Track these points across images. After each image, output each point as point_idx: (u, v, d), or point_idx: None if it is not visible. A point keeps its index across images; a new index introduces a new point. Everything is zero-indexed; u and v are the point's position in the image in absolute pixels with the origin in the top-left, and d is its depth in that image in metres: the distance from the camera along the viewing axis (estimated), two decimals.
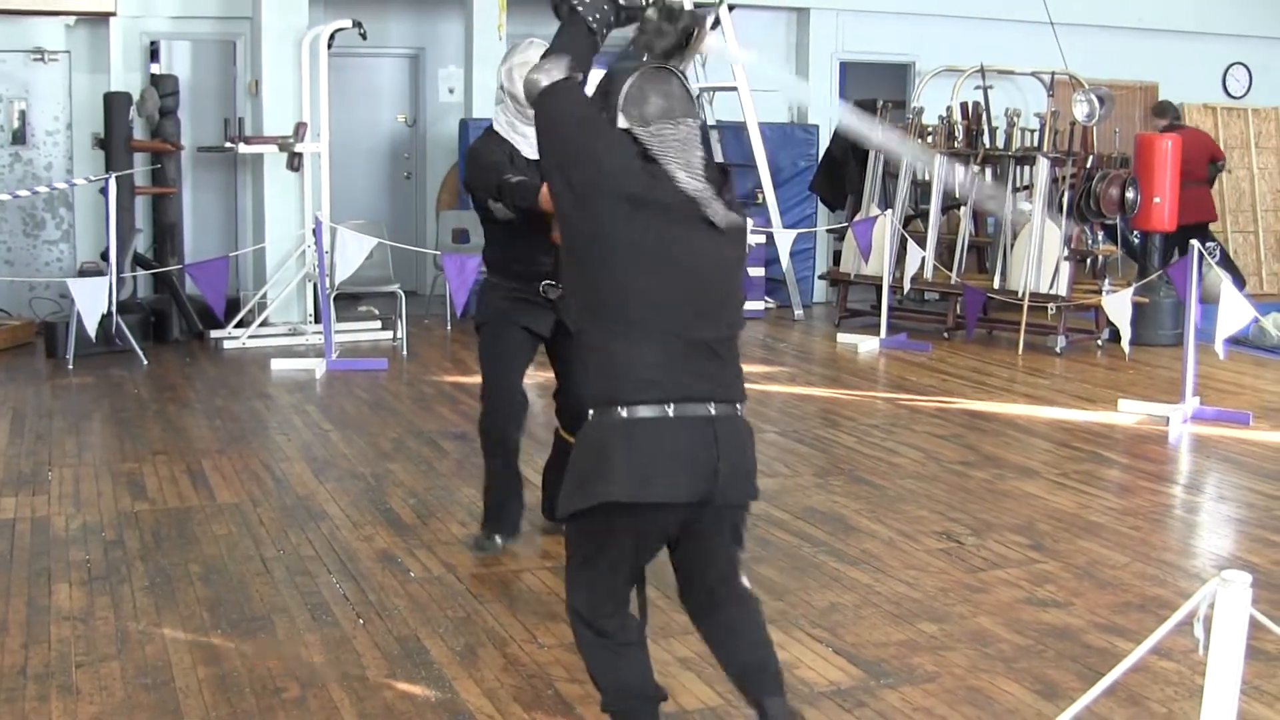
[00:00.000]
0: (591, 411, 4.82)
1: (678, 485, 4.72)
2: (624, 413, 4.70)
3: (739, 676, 5.16)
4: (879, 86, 19.32)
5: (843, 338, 15.80)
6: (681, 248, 4.74)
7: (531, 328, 7.82)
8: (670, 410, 4.70)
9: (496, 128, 7.75)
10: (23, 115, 16.01)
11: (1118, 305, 13.47)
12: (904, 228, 16.08)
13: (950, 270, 15.89)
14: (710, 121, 18.20)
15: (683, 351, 4.73)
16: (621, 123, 4.81)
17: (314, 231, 14.15)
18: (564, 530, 5.37)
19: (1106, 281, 14.82)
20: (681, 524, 4.88)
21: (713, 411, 4.76)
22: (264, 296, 15.41)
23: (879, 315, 15.73)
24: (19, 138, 16.00)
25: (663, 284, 4.72)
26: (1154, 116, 17.96)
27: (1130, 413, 11.97)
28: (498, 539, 8.14)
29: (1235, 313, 11.59)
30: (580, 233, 4.78)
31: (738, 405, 4.88)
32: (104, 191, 13.83)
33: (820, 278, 18.36)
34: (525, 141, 7.47)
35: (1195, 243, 11.83)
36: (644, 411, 4.69)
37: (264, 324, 15.06)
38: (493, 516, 8.20)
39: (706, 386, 4.77)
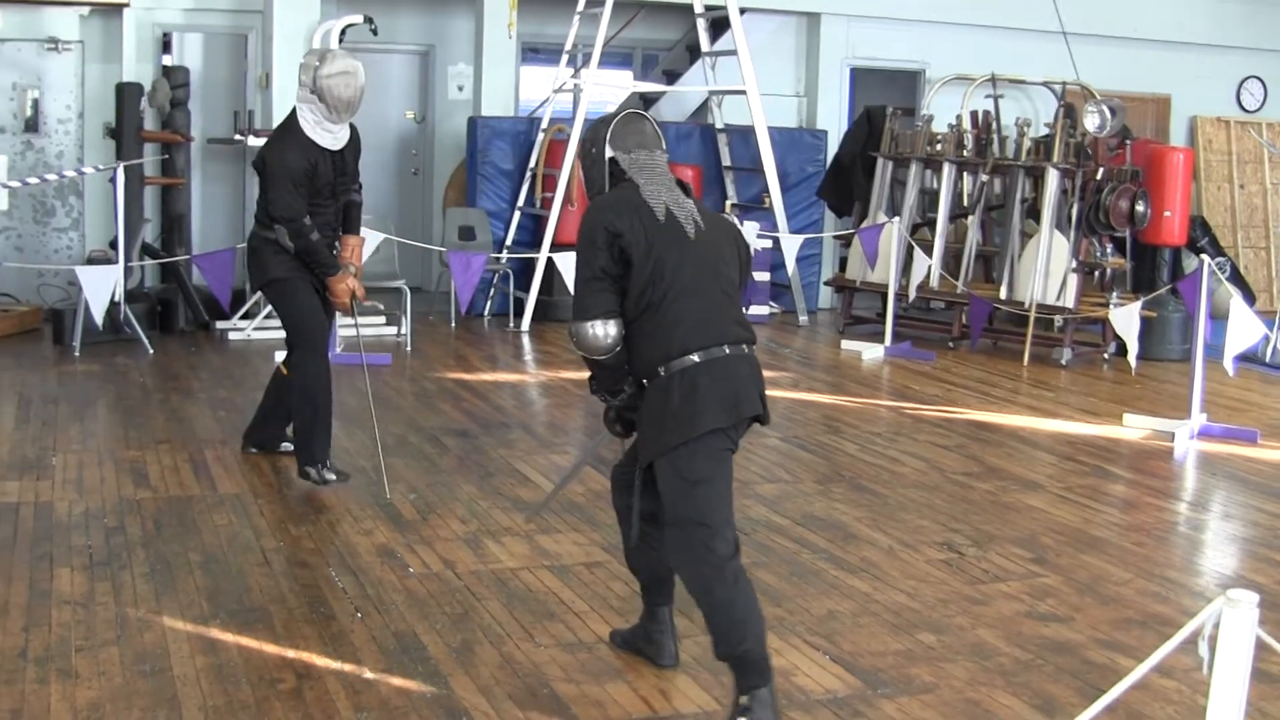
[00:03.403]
0: (662, 368, 5.81)
1: (755, 403, 5.91)
2: (697, 357, 5.78)
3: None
4: (889, 93, 19.32)
5: (847, 344, 15.79)
6: (687, 250, 5.88)
7: (316, 286, 9.22)
8: (727, 349, 5.84)
9: (302, 124, 8.96)
10: (35, 104, 16.03)
11: (1125, 319, 13.45)
12: (911, 235, 16.06)
13: (957, 279, 15.86)
14: (719, 125, 18.20)
15: (712, 313, 5.86)
16: (609, 152, 6.12)
17: None
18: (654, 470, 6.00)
19: (1114, 294, 14.80)
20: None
21: (745, 350, 5.93)
22: None
23: (884, 323, 15.72)
24: (31, 126, 16.02)
25: (690, 275, 5.85)
26: None
27: (1136, 427, 11.95)
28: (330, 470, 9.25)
29: (1245, 329, 11.57)
30: (642, 277, 5.83)
31: (755, 345, 6.02)
32: (113, 181, 13.82)
33: (826, 284, 18.35)
34: (330, 137, 9.07)
35: (1205, 257, 11.80)
36: (715, 352, 5.81)
37: (269, 316, 15.04)
38: (324, 450, 9.19)
39: (738, 331, 5.91)
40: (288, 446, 9.77)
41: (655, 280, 5.76)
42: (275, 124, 15.34)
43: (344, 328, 13.59)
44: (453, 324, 16.22)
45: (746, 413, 5.87)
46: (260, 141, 15.12)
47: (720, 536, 5.77)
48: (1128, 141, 15.55)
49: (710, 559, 5.73)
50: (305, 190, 8.89)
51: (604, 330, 5.80)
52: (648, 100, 18.65)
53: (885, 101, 17.61)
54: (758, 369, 5.97)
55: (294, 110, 9.09)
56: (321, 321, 9.27)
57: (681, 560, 5.87)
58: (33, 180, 14.71)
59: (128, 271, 13.88)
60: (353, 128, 9.29)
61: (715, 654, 5.82)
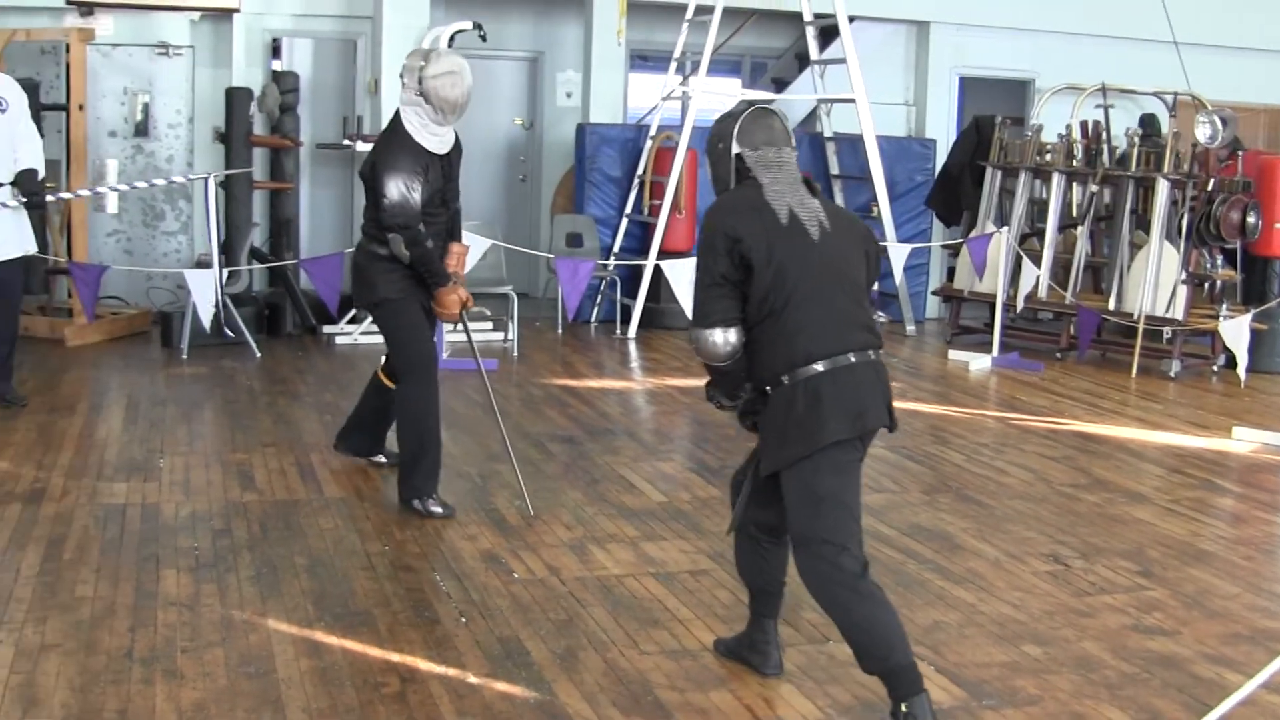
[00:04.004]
0: (786, 376, 5.71)
1: (881, 414, 5.82)
2: (821, 366, 5.68)
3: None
4: (998, 102, 19.19)
5: (954, 354, 15.72)
6: (811, 254, 5.77)
7: (425, 304, 8.89)
8: (853, 357, 5.72)
9: (408, 127, 8.68)
10: (146, 108, 16.21)
11: (1235, 331, 13.31)
12: (1020, 245, 15.96)
13: (1065, 290, 15.75)
14: (827, 133, 18.15)
15: (837, 318, 5.74)
16: (735, 148, 6.03)
17: None
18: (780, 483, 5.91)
19: (1224, 306, 14.64)
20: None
21: (872, 357, 5.81)
22: None
23: (991, 333, 15.63)
24: (142, 130, 16.20)
25: (813, 280, 5.74)
26: None
27: (1245, 441, 11.81)
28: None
29: None
30: (764, 282, 5.73)
31: (882, 351, 5.92)
32: (221, 187, 13.90)
33: (933, 293, 18.29)
34: (436, 140, 8.78)
35: None
36: (840, 360, 5.70)
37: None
38: (432, 482, 8.88)
39: (865, 337, 5.79)
40: (380, 460, 9.80)
41: (777, 286, 5.69)
42: (383, 129, 15.59)
43: (450, 333, 13.63)
44: (559, 330, 16.25)
45: (871, 424, 5.79)
46: (369, 147, 15.27)
47: (847, 554, 5.69)
48: (1239, 153, 15.38)
49: (839, 578, 5.68)
50: (420, 195, 8.61)
51: (724, 338, 5.76)
52: None
53: (994, 110, 17.50)
54: (884, 376, 5.89)
55: (397, 114, 8.83)
56: (431, 346, 9.04)
57: (813, 583, 5.79)
58: (121, 187, 14.72)
59: (235, 275, 13.99)
60: (455, 132, 9.04)
61: (862, 669, 5.77)
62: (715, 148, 6.12)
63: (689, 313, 13.96)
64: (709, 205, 6.04)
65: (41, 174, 11.19)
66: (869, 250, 6.02)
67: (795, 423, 5.68)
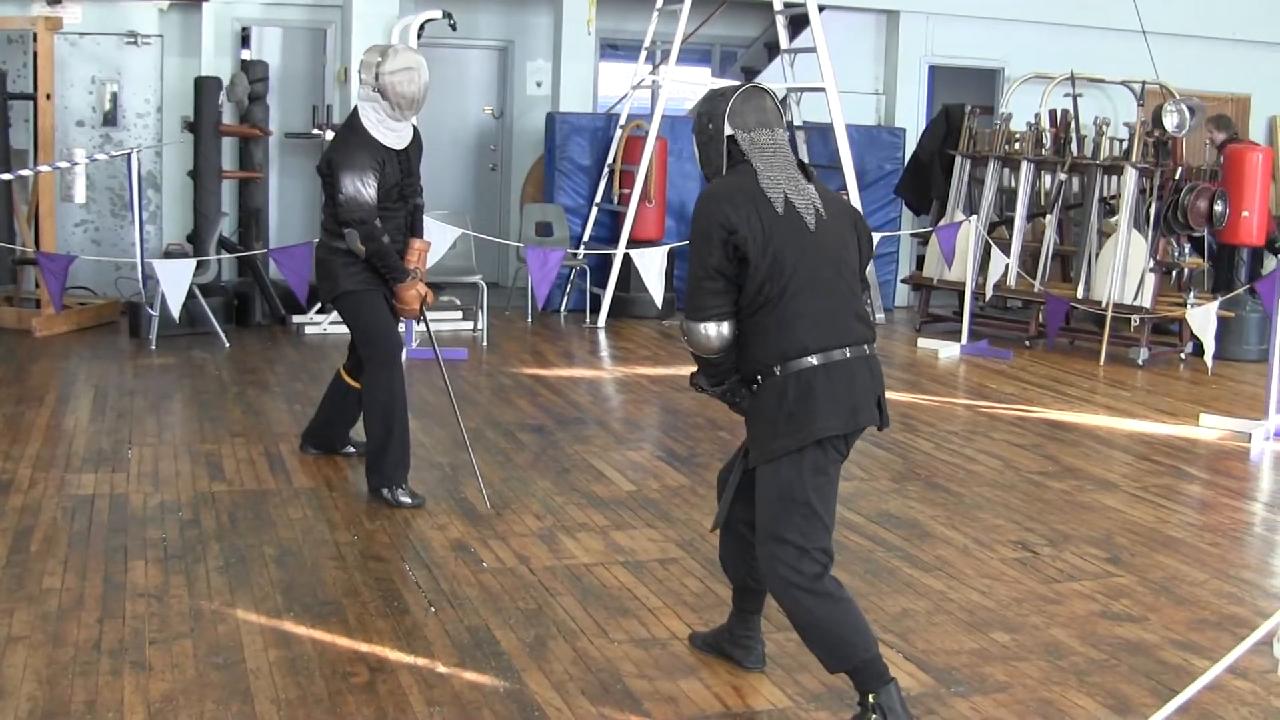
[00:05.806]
0: (778, 367, 5.58)
1: (872, 412, 5.73)
2: (815, 359, 5.55)
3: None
4: (967, 91, 19.25)
5: (923, 343, 15.74)
6: (808, 243, 5.60)
7: (388, 296, 8.93)
8: (848, 353, 5.61)
9: (365, 124, 8.67)
10: (114, 97, 16.15)
11: (1202, 318, 13.35)
12: (988, 234, 15.99)
13: (1034, 278, 15.79)
14: (797, 122, 18.16)
15: (833, 309, 5.62)
16: (727, 130, 5.75)
17: None
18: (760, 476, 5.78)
19: (1192, 294, 14.69)
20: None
21: (867, 351, 5.71)
22: None
23: (961, 321, 15.67)
24: (110, 119, 16.13)
25: (810, 270, 5.58)
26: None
27: (1212, 428, 11.86)
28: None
29: None
30: (760, 273, 5.56)
31: (876, 345, 5.80)
32: (190, 176, 13.84)
33: (903, 282, 18.28)
34: (393, 135, 8.75)
35: None
36: (835, 355, 5.58)
37: None
38: (401, 471, 8.91)
39: (859, 330, 5.68)
40: (350, 450, 9.80)
41: (773, 276, 5.53)
42: None
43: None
44: (529, 319, 16.26)
45: (863, 423, 5.69)
46: None
47: (808, 557, 5.58)
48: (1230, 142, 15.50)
49: (798, 580, 5.58)
50: (376, 190, 8.62)
51: (716, 331, 5.64)
52: None
53: (964, 99, 17.57)
54: (878, 371, 5.77)
55: (355, 110, 8.81)
56: (395, 335, 9.09)
57: (773, 583, 5.71)
58: (86, 158, 14.66)
59: (204, 265, 13.98)
60: (414, 128, 9.04)
61: (826, 669, 5.75)
62: (705, 128, 5.84)
63: (658, 301, 14.02)
64: (702, 192, 5.81)
65: None
66: (860, 234, 5.88)
67: (787, 413, 5.56)
